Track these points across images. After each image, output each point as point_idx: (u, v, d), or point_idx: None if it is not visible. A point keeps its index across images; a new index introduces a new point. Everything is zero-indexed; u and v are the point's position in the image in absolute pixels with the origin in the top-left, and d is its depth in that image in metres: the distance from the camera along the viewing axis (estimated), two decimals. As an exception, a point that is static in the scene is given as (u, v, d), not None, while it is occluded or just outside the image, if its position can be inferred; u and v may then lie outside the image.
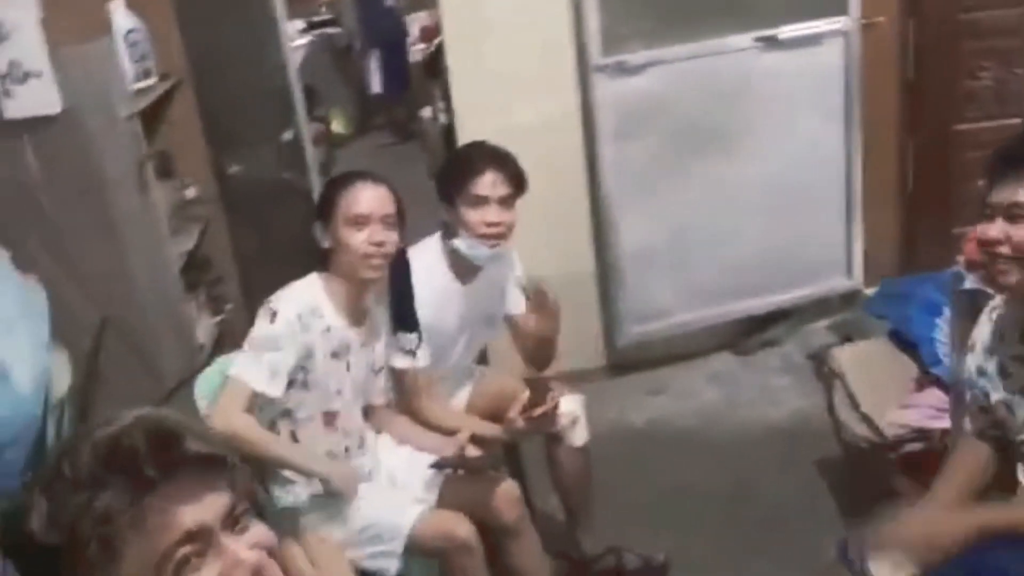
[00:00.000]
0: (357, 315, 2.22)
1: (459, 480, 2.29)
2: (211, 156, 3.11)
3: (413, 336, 2.33)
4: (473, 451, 2.33)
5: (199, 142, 3.05)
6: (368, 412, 2.39)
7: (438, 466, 2.29)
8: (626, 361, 3.87)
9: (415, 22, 7.51)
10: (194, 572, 0.90)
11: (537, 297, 2.46)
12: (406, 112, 7.70)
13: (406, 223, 2.23)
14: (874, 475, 2.60)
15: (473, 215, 2.39)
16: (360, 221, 2.14)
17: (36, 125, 2.26)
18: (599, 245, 3.75)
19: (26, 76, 2.20)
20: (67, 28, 2.24)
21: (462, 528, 2.14)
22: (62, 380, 2.12)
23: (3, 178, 2.23)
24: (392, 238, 2.18)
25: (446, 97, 4.13)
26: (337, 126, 7.74)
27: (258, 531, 0.96)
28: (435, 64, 6.31)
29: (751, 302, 3.90)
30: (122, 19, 2.52)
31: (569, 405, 2.52)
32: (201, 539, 0.91)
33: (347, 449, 2.27)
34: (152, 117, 2.71)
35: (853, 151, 3.81)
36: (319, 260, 2.19)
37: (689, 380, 3.78)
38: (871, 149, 3.83)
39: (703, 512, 2.97)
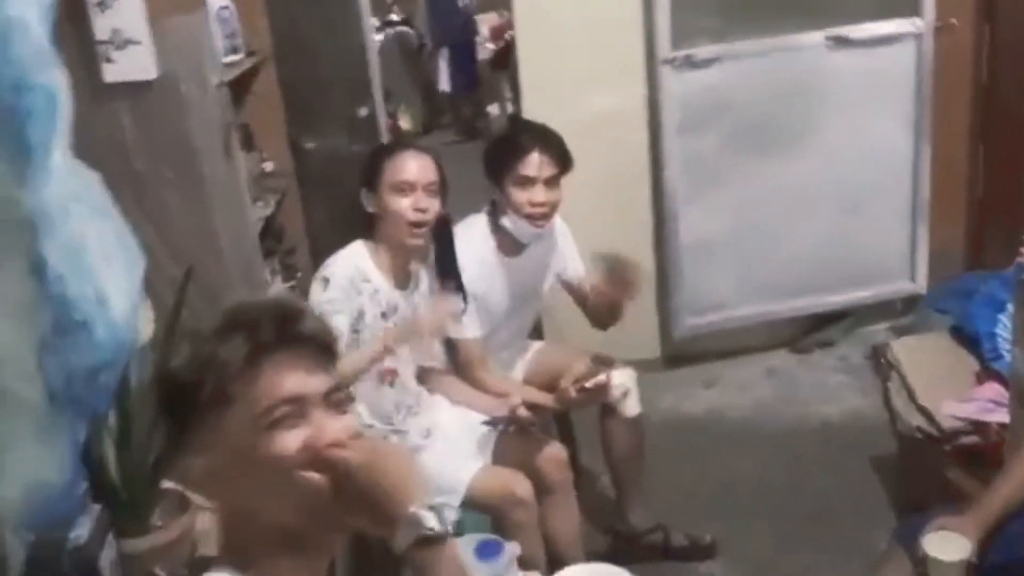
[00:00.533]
0: (403, 278, 2.33)
1: (510, 439, 2.37)
2: (289, 131, 3.23)
3: (457, 299, 2.41)
4: (524, 413, 2.41)
5: (279, 118, 3.18)
6: (423, 375, 2.48)
7: (491, 424, 2.37)
8: (682, 353, 3.90)
9: (484, 22, 7.62)
10: (285, 432, 1.03)
11: (621, 269, 2.52)
12: (473, 110, 7.81)
13: (448, 192, 2.33)
14: (928, 468, 2.61)
15: (520, 195, 2.46)
16: (405, 188, 2.24)
17: (133, 89, 2.38)
18: (660, 237, 3.80)
19: (126, 43, 2.32)
20: (165, 1, 2.36)
21: (520, 485, 2.21)
22: (145, 330, 2.23)
23: (100, 138, 2.34)
24: (434, 205, 2.28)
25: (514, 88, 4.21)
26: (405, 123, 7.87)
27: (349, 419, 1.09)
28: (505, 57, 6.42)
29: (810, 300, 3.91)
30: (214, -5, 2.64)
31: (621, 377, 2.59)
32: (298, 406, 1.04)
33: (409, 407, 2.37)
34: (237, 92, 2.83)
35: (922, 155, 3.80)
36: (364, 226, 2.29)
37: (744, 374, 3.81)
38: (940, 153, 3.81)
39: (754, 501, 2.99)
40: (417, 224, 2.26)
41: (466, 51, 7.67)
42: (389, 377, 2.32)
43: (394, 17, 8.03)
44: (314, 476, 1.03)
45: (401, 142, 2.47)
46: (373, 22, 7.72)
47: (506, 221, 2.51)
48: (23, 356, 1.66)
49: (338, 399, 1.08)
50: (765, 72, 3.63)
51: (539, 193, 2.45)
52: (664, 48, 3.52)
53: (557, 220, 2.65)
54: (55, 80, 1.55)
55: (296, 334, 1.07)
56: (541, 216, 2.49)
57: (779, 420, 3.48)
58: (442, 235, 2.37)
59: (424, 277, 2.43)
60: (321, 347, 1.09)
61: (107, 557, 2.08)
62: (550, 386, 2.62)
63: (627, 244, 3.75)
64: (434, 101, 8.09)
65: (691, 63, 3.55)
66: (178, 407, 1.07)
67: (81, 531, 2.01)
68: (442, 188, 2.32)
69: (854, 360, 3.82)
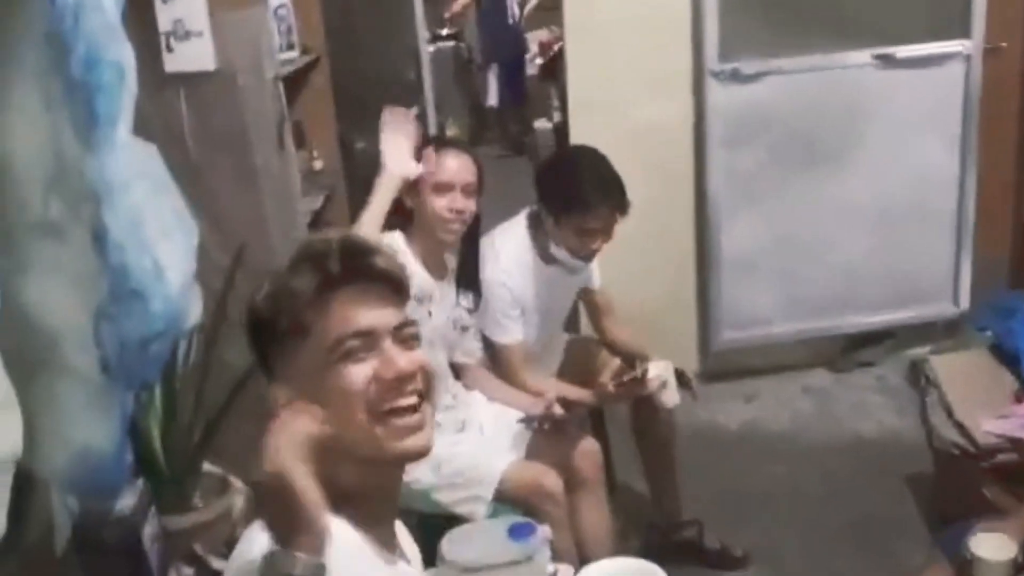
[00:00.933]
0: (438, 269, 2.37)
1: (545, 435, 2.39)
2: (339, 130, 3.29)
3: (471, 294, 2.45)
4: (559, 411, 2.43)
5: (330, 117, 3.24)
6: (459, 371, 2.51)
7: (526, 421, 2.40)
8: (720, 367, 3.90)
9: (534, 39, 7.70)
10: (355, 363, 1.07)
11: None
12: (520, 126, 7.87)
13: (483, 191, 2.36)
14: (964, 484, 2.59)
15: (577, 242, 2.50)
16: (444, 188, 2.28)
17: (191, 79, 2.46)
18: (701, 249, 3.81)
19: (187, 34, 2.40)
20: (226, -5, 2.44)
21: (550, 480, 2.24)
22: (194, 314, 2.29)
23: (157, 126, 2.40)
24: (471, 206, 2.32)
25: (561, 99, 4.26)
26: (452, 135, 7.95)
27: (418, 354, 1.12)
28: (553, 67, 6.46)
29: (851, 319, 3.89)
30: (273, -7, 2.72)
31: (657, 369, 2.61)
32: (368, 338, 1.08)
33: (444, 404, 2.40)
34: (291, 88, 2.90)
35: (968, 177, 3.78)
36: (400, 217, 2.33)
37: (782, 390, 3.80)
38: (986, 175, 3.79)
39: (788, 513, 2.99)
40: (454, 224, 2.30)
41: (515, 67, 7.73)
42: None
43: (445, 32, 8.13)
44: (380, 433, 1.07)
45: (442, 140, 2.50)
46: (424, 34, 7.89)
47: (555, 249, 2.55)
48: (81, 326, 1.73)
49: (407, 334, 1.12)
50: (812, 88, 3.64)
51: (598, 242, 2.51)
52: (711, 61, 3.55)
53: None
54: (124, 56, 1.61)
55: (366, 269, 1.10)
56: (593, 256, 2.57)
57: (815, 435, 3.47)
58: (470, 236, 2.41)
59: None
60: (392, 284, 1.12)
61: (150, 531, 2.14)
62: (583, 380, 2.66)
63: (669, 255, 3.82)
64: (482, 116, 8.16)
65: (738, 77, 3.57)
66: (260, 340, 1.12)
67: (126, 503, 2.07)
68: (478, 188, 2.36)
69: (892, 380, 3.80)
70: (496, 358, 2.57)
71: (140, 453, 2.19)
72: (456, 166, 2.31)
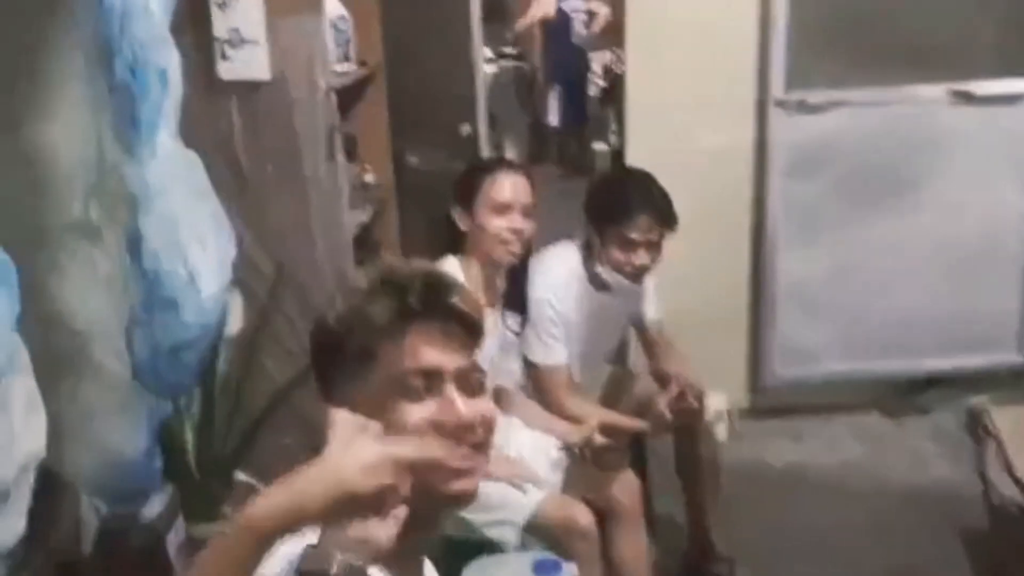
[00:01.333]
0: (491, 295, 2.32)
1: (584, 465, 2.33)
2: (392, 145, 3.28)
3: (519, 317, 2.41)
4: (600, 439, 2.36)
5: (384, 131, 3.23)
6: (497, 394, 2.46)
7: (566, 449, 2.33)
8: (769, 404, 3.78)
9: (598, 60, 7.65)
10: (415, 402, 1.04)
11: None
12: (579, 147, 7.83)
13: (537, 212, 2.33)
14: (1022, 544, 2.46)
15: (619, 255, 2.44)
16: (503, 208, 2.24)
17: (245, 88, 2.46)
18: (756, 281, 3.71)
19: (242, 42, 2.40)
20: (283, 4, 2.43)
21: (583, 516, 2.17)
22: (234, 322, 2.28)
23: (208, 132, 2.41)
24: (529, 226, 2.28)
25: (619, 119, 4.20)
26: (510, 154, 7.92)
27: (485, 403, 1.09)
28: (614, 89, 6.40)
29: (908, 362, 3.76)
30: (332, 6, 2.71)
31: (714, 401, 2.54)
32: (433, 379, 1.05)
33: None
34: (345, 101, 2.89)
35: (1041, 222, 3.64)
36: (453, 242, 2.29)
37: (832, 431, 3.67)
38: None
39: (831, 558, 2.87)
40: (513, 245, 2.26)
41: (578, 88, 7.69)
42: None
43: (509, 50, 8.13)
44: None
45: (497, 161, 2.47)
46: (487, 52, 7.88)
47: (601, 270, 2.50)
48: (113, 330, 1.72)
49: (474, 380, 1.09)
50: (881, 122, 3.53)
51: (641, 256, 2.44)
52: (777, 89, 3.46)
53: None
54: (169, 63, 1.60)
55: (444, 306, 1.08)
56: (640, 273, 2.49)
57: (864, 481, 3.34)
58: (524, 257, 2.36)
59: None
60: (467, 325, 1.10)
61: (175, 538, 2.13)
62: (630, 412, 2.58)
63: (722, 285, 3.73)
64: (541, 135, 8.13)
65: (804, 107, 3.48)
66: (324, 359, 1.10)
67: (153, 509, 2.05)
68: (534, 208, 2.32)
69: (949, 429, 3.64)
70: (537, 381, 2.52)
71: (172, 458, 2.18)
72: (514, 184, 2.28)
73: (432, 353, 1.05)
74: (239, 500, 2.41)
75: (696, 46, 3.45)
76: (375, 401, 1.03)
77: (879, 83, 3.50)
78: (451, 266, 2.27)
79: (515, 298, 2.41)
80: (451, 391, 1.05)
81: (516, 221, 2.25)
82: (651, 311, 2.73)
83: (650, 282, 2.69)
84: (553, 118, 7.77)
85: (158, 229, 1.61)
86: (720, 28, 3.46)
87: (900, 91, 3.52)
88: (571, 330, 2.51)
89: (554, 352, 2.49)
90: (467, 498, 1.07)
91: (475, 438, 1.06)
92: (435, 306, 1.07)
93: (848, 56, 3.50)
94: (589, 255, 2.53)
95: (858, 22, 3.48)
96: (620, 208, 2.42)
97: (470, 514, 2.19)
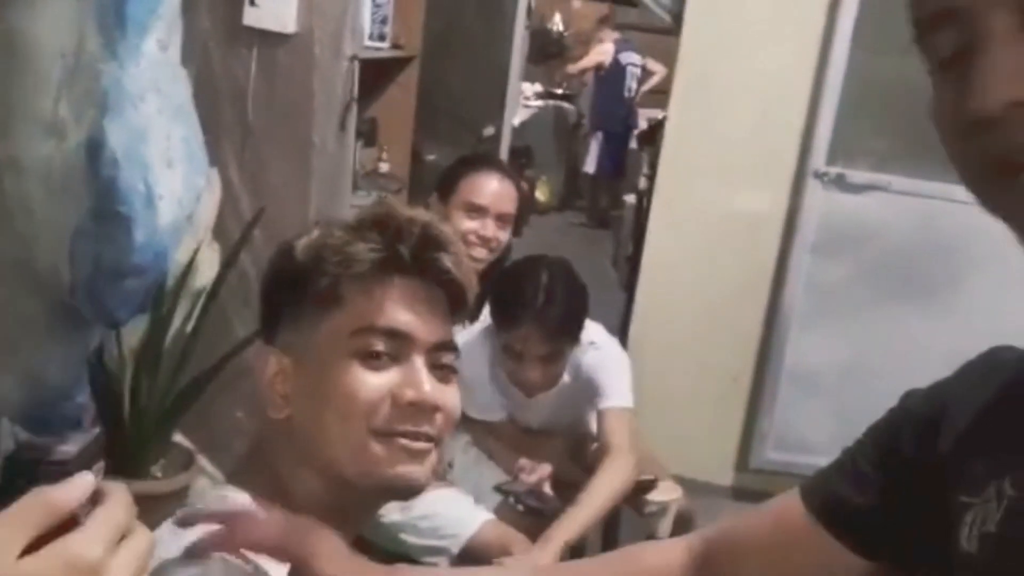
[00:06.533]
0: None
1: (516, 515, 2.12)
2: (414, 138, 3.16)
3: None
4: (548, 490, 2.16)
5: (407, 122, 3.11)
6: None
7: (502, 492, 2.13)
8: (755, 487, 3.58)
9: (644, 116, 7.58)
10: (371, 369, 0.89)
11: None
12: (610, 200, 7.73)
13: (522, 226, 2.14)
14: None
15: (511, 365, 2.07)
16: (475, 210, 2.07)
17: (267, 38, 2.34)
18: (762, 356, 3.54)
19: (273, -10, 2.30)
20: (321, -40, 2.33)
21: (521, 547, 1.97)
22: (208, 272, 2.14)
23: (221, 78, 2.32)
24: (502, 237, 2.10)
25: (652, 163, 4.08)
26: (540, 194, 7.84)
27: (452, 394, 0.94)
28: (653, 135, 6.27)
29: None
30: (373, -20, 2.61)
31: (665, 494, 2.30)
32: (400, 343, 0.90)
33: None
34: (374, 84, 2.78)
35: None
36: None
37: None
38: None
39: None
40: (478, 250, 2.07)
41: (620, 140, 7.61)
42: None
43: (559, 91, 8.08)
44: (378, 451, 0.88)
45: (487, 159, 2.30)
46: (536, 88, 7.84)
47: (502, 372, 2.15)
48: (57, 238, 1.58)
49: (445, 361, 0.93)
50: (920, 214, 3.38)
51: (530, 369, 2.05)
52: (818, 160, 3.32)
53: (597, 351, 2.19)
54: (169, -41, 1.48)
55: (437, 266, 0.93)
56: (534, 392, 2.13)
57: None
58: (493, 267, 2.18)
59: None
60: (455, 294, 0.95)
61: (87, 484, 1.96)
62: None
63: (727, 353, 3.57)
64: (575, 181, 8.05)
65: (843, 183, 3.34)
66: (280, 293, 0.94)
67: (69, 448, 1.90)
68: (516, 221, 2.15)
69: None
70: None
71: (106, 401, 2.03)
72: (494, 189, 2.09)
73: (407, 316, 0.90)
74: (171, 464, 2.25)
75: (742, 109, 3.34)
76: (324, 356, 0.89)
77: (925, 174, 3.36)
78: None
79: (478, 311, 2.21)
80: (419, 365, 0.90)
81: (488, 227, 2.07)
82: (604, 401, 2.19)
83: (612, 365, 2.21)
84: (590, 166, 7.70)
85: (123, 137, 1.48)
86: (770, 94, 3.35)
87: (946, 187, 3.36)
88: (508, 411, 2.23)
89: (481, 410, 2.18)
90: (415, 488, 0.92)
91: (431, 428, 0.91)
92: (426, 263, 0.92)
93: (896, 141, 3.37)
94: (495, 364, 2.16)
95: (911, 108, 3.35)
96: (504, 316, 2.04)
97: (406, 536, 2.01)
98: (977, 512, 0.69)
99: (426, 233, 0.92)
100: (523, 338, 2.00)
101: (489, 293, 2.06)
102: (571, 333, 2.05)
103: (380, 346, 0.89)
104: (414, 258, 0.91)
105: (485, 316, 2.15)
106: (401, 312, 0.90)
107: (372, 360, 0.89)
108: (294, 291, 0.92)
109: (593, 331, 2.20)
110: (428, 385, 0.89)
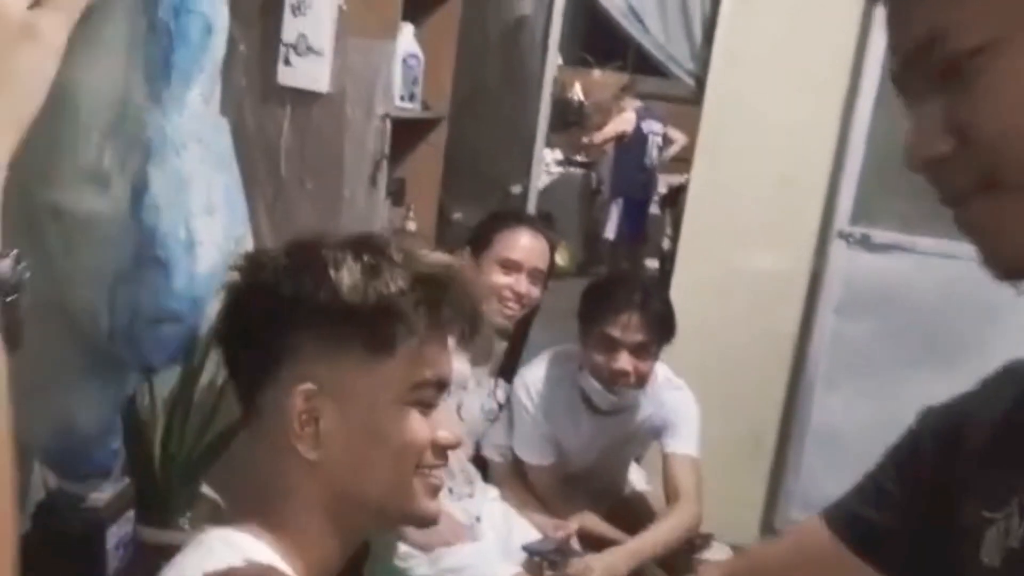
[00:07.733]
0: (482, 353, 2.17)
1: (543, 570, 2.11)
2: (441, 198, 3.20)
3: (507, 387, 2.23)
4: (576, 547, 2.15)
5: (435, 182, 3.15)
6: (489, 465, 2.29)
7: (530, 551, 2.11)
8: (781, 548, 3.53)
9: (665, 181, 7.64)
10: (419, 415, 0.94)
11: None
12: (630, 265, 7.75)
13: (549, 282, 2.19)
14: None
15: (600, 358, 2.14)
16: (510, 266, 2.11)
17: (301, 97, 2.40)
18: (786, 417, 3.52)
19: (308, 51, 2.35)
20: (357, 23, 2.39)
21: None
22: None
23: (255, 134, 2.37)
24: (535, 293, 2.15)
25: (675, 225, 4.10)
26: (559, 259, 7.86)
27: (457, 424, 1.03)
28: (676, 196, 6.31)
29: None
30: (407, 41, 2.67)
31: (718, 554, 2.30)
32: (441, 393, 0.97)
33: (451, 490, 2.16)
34: (403, 144, 2.83)
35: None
36: None
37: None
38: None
39: None
40: (511, 305, 2.11)
41: (640, 207, 7.66)
42: None
43: (580, 158, 8.17)
44: (417, 487, 0.95)
45: (521, 215, 2.34)
46: (556, 155, 7.93)
47: (581, 379, 2.21)
48: (98, 284, 1.61)
49: (440, 398, 0.99)
50: (946, 275, 3.36)
51: (622, 359, 2.11)
52: (842, 221, 3.34)
53: (681, 393, 2.32)
54: (214, 13, 1.53)
55: (469, 314, 1.00)
56: (619, 383, 2.15)
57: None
58: (524, 323, 2.21)
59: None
60: (477, 334, 1.05)
61: (119, 532, 1.96)
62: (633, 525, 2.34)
63: (751, 415, 3.54)
64: (595, 247, 8.08)
65: (867, 243, 3.35)
66: (315, 323, 0.92)
67: (101, 495, 1.90)
68: (546, 277, 2.18)
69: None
70: (519, 466, 2.33)
71: (136, 449, 2.04)
72: (529, 244, 2.15)
73: (447, 364, 0.97)
74: (199, 515, 2.25)
75: (765, 170, 3.37)
76: (377, 400, 0.91)
77: (949, 235, 3.34)
78: None
79: (511, 368, 2.25)
80: (442, 404, 0.98)
81: (521, 284, 2.12)
82: (677, 444, 2.29)
83: (690, 410, 2.35)
84: (610, 232, 7.73)
85: (166, 184, 1.51)
86: (793, 154, 3.38)
87: (969, 248, 3.32)
88: (560, 443, 2.29)
89: (536, 452, 2.26)
90: (435, 518, 0.98)
91: (446, 461, 0.98)
92: (464, 317, 0.99)
93: (921, 201, 3.32)
94: (580, 373, 2.25)
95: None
96: (603, 304, 2.14)
97: None
98: (999, 527, 0.69)
99: (477, 313, 1.01)
100: (623, 325, 2.09)
101: (584, 296, 2.22)
102: (665, 331, 2.16)
103: (434, 397, 0.96)
104: (456, 313, 0.97)
105: (543, 354, 2.26)
106: (447, 364, 0.97)
107: (427, 408, 0.95)
108: (332, 326, 0.91)
109: (675, 377, 2.24)
110: (449, 430, 0.98)
